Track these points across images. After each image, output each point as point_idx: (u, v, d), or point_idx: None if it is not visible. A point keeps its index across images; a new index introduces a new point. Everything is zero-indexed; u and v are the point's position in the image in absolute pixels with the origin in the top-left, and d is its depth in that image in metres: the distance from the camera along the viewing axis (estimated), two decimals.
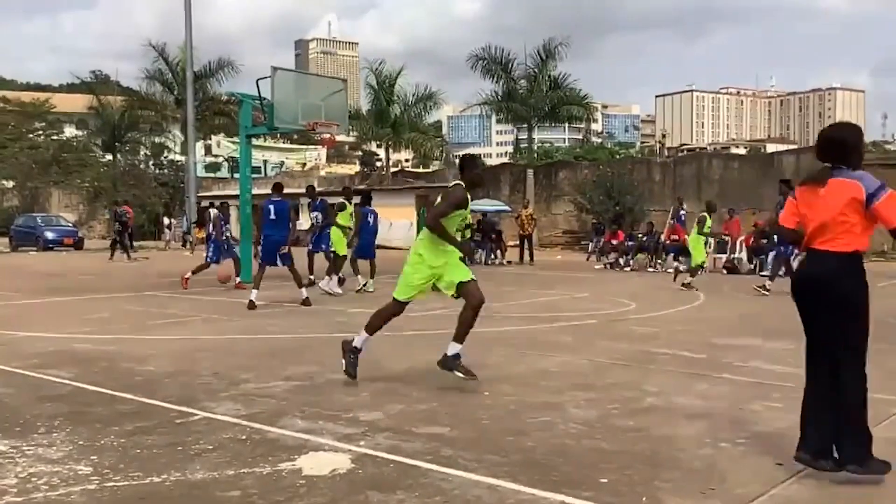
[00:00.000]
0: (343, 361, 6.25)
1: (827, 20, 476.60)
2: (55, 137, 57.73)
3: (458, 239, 6.28)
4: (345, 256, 14.08)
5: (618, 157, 56.28)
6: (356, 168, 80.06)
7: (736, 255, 19.76)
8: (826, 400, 3.90)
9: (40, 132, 59.32)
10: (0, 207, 49.08)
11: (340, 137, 32.50)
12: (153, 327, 9.66)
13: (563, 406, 5.49)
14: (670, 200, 24.84)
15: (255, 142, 36.87)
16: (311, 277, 14.80)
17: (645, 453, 4.39)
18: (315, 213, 15.60)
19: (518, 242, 23.27)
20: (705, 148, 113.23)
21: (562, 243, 30.98)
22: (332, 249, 14.07)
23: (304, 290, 11.77)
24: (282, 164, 76.25)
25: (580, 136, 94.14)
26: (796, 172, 22.48)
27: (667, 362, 7.24)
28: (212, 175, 60.52)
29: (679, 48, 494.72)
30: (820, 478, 3.92)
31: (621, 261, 20.78)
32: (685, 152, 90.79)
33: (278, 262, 11.74)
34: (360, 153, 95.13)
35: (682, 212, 21.25)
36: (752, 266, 19.21)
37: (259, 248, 12.06)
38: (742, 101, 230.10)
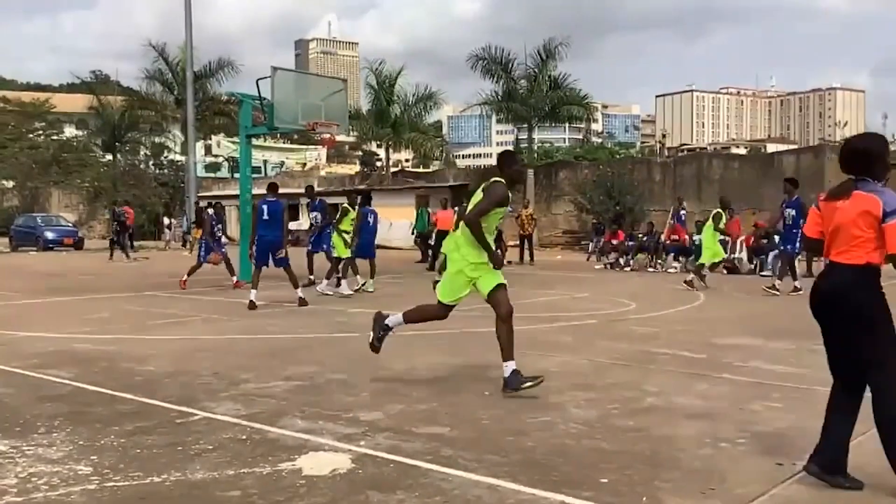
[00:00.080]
0: (371, 333, 6.14)
1: (827, 20, 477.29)
2: (55, 137, 57.72)
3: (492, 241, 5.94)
4: (349, 258, 13.89)
5: (618, 157, 56.34)
6: (356, 168, 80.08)
7: (736, 255, 19.74)
8: (839, 412, 3.89)
9: (40, 132, 59.32)
10: (0, 207, 49.05)
11: (340, 137, 32.53)
12: (153, 327, 9.66)
13: (563, 406, 5.48)
14: (670, 200, 24.81)
15: (255, 142, 36.86)
16: (311, 277, 14.80)
17: (645, 453, 4.39)
18: (314, 214, 15.59)
19: (518, 242, 23.27)
20: (705, 148, 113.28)
21: (562, 243, 30.94)
22: (336, 255, 13.89)
23: (299, 290, 11.72)
24: (282, 164, 76.21)
25: (580, 136, 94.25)
26: (796, 172, 22.41)
27: (667, 362, 7.23)
28: (212, 175, 60.46)
29: (679, 48, 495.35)
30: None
31: (621, 261, 20.77)
32: (685, 152, 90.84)
33: (271, 263, 11.67)
34: (360, 153, 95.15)
35: (683, 212, 21.25)
36: (752, 266, 19.20)
37: (254, 248, 11.95)
38: (742, 101, 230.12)
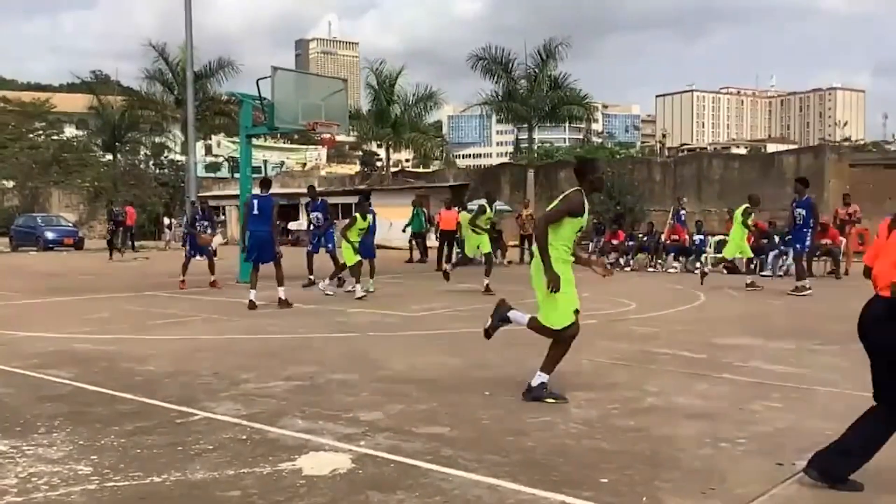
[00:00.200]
0: (490, 320, 5.97)
1: (827, 20, 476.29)
2: (55, 137, 57.65)
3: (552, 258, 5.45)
4: (358, 262, 13.62)
5: (618, 157, 56.23)
6: (356, 168, 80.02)
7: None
8: (862, 428, 3.89)
9: (40, 132, 59.26)
10: (0, 207, 49.05)
11: (341, 137, 32.45)
12: (153, 327, 9.67)
13: (563, 406, 5.49)
14: (670, 200, 24.81)
15: (255, 142, 36.79)
16: (311, 277, 14.79)
17: (645, 453, 4.39)
18: (315, 214, 15.56)
19: (518, 242, 23.30)
20: (705, 148, 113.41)
21: None
22: (343, 262, 13.67)
23: (281, 291, 11.58)
24: (282, 164, 76.13)
25: (580, 136, 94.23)
26: (796, 172, 22.42)
27: (667, 362, 7.24)
28: (212, 175, 60.42)
29: (679, 48, 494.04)
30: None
31: (621, 261, 20.77)
32: (685, 152, 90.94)
33: (262, 258, 11.60)
34: (360, 153, 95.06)
35: (683, 212, 21.25)
36: (752, 266, 19.19)
37: (246, 245, 11.84)
38: (742, 101, 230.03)
